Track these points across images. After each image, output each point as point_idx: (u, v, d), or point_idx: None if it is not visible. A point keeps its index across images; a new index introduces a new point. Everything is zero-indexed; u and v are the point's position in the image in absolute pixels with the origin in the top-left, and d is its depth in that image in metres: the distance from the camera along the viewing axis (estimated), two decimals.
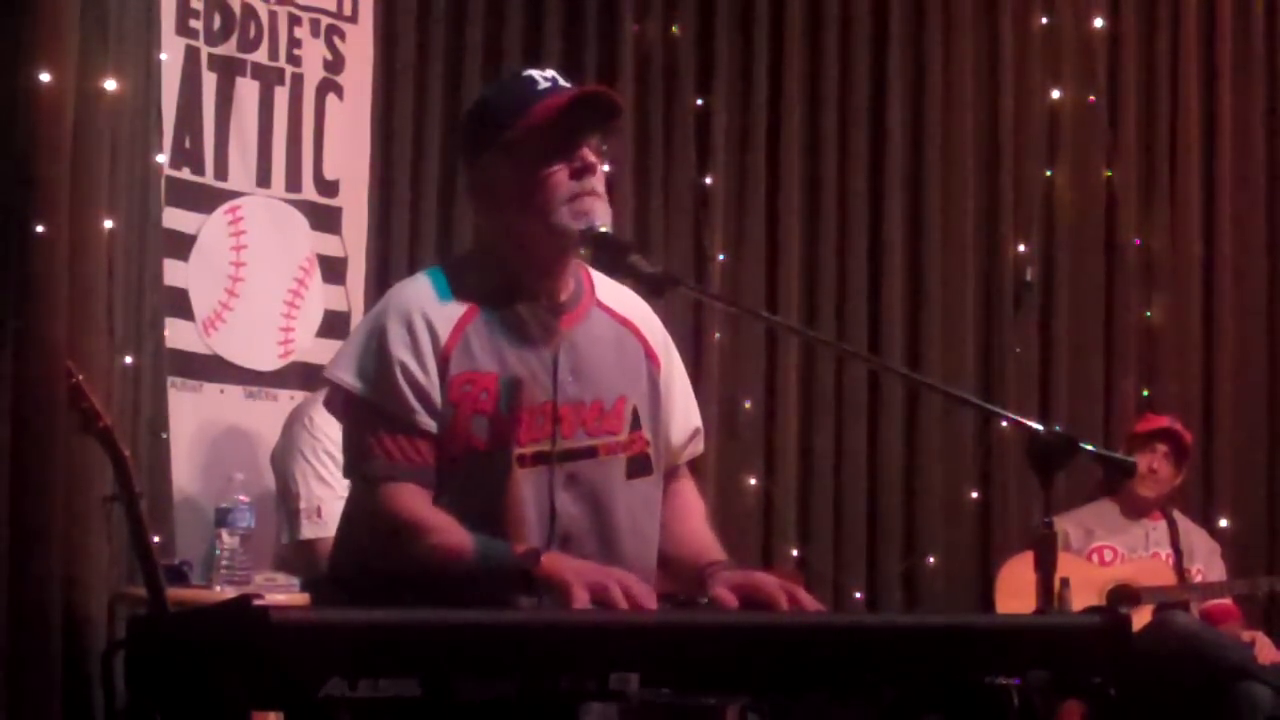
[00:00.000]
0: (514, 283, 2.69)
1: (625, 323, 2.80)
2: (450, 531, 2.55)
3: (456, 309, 2.65)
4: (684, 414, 2.86)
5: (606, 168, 2.74)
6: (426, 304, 2.65)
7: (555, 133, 2.62)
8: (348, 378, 2.64)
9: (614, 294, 2.82)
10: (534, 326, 2.68)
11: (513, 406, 2.62)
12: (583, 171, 2.63)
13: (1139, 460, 5.39)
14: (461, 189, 2.91)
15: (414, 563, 2.54)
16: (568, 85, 2.69)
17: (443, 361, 2.61)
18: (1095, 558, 5.39)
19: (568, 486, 2.65)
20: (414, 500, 2.59)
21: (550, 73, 2.70)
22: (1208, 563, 5.43)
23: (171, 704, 2.09)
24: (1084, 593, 5.14)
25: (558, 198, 2.62)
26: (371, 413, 2.61)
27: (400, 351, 2.60)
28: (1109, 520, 5.46)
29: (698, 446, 2.90)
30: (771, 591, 2.54)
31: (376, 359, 2.62)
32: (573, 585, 2.40)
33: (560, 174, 2.62)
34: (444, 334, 2.62)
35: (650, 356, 2.80)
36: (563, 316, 2.71)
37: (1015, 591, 5.20)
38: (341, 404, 2.70)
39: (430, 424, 2.59)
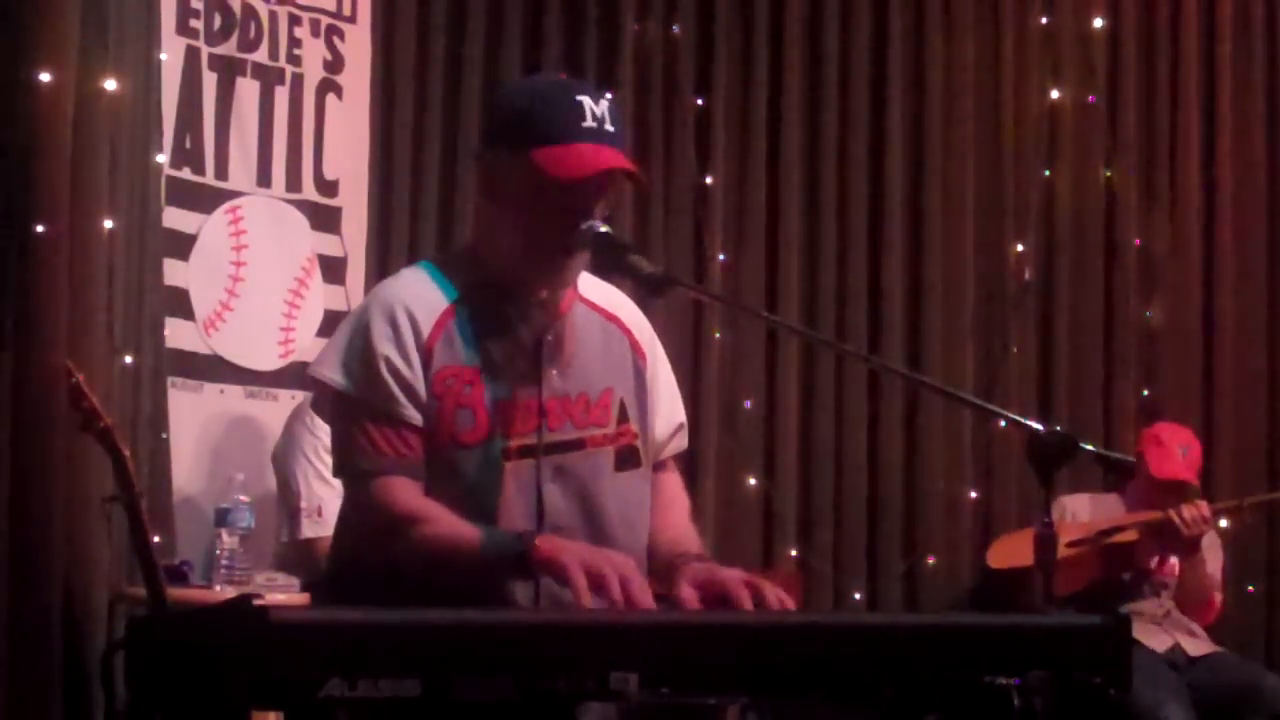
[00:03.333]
0: (499, 277, 2.69)
1: (611, 317, 2.80)
2: (444, 521, 2.55)
3: (440, 303, 2.65)
4: (668, 409, 2.86)
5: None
6: (410, 299, 2.65)
7: (573, 186, 2.59)
8: (332, 375, 2.64)
9: (599, 290, 2.82)
10: (518, 321, 2.68)
11: (497, 400, 2.62)
12: (579, 219, 2.60)
13: (1153, 495, 5.37)
14: (473, 164, 2.87)
15: (410, 554, 2.55)
16: (611, 129, 2.62)
17: (426, 355, 2.61)
18: None
19: (555, 479, 2.65)
20: (406, 492, 2.59)
21: (603, 106, 2.62)
22: (1208, 551, 5.41)
23: (171, 704, 2.09)
24: (1070, 535, 5.18)
25: (541, 245, 2.62)
26: (357, 408, 2.61)
27: (384, 346, 2.60)
28: (1114, 513, 5.46)
29: (681, 441, 2.90)
30: (734, 588, 2.52)
31: (361, 355, 2.62)
32: (570, 568, 2.40)
33: (560, 220, 2.60)
34: (426, 328, 2.62)
35: (636, 350, 2.80)
36: (546, 312, 2.71)
37: (1007, 555, 5.27)
38: (328, 402, 2.70)
39: (417, 417, 2.60)
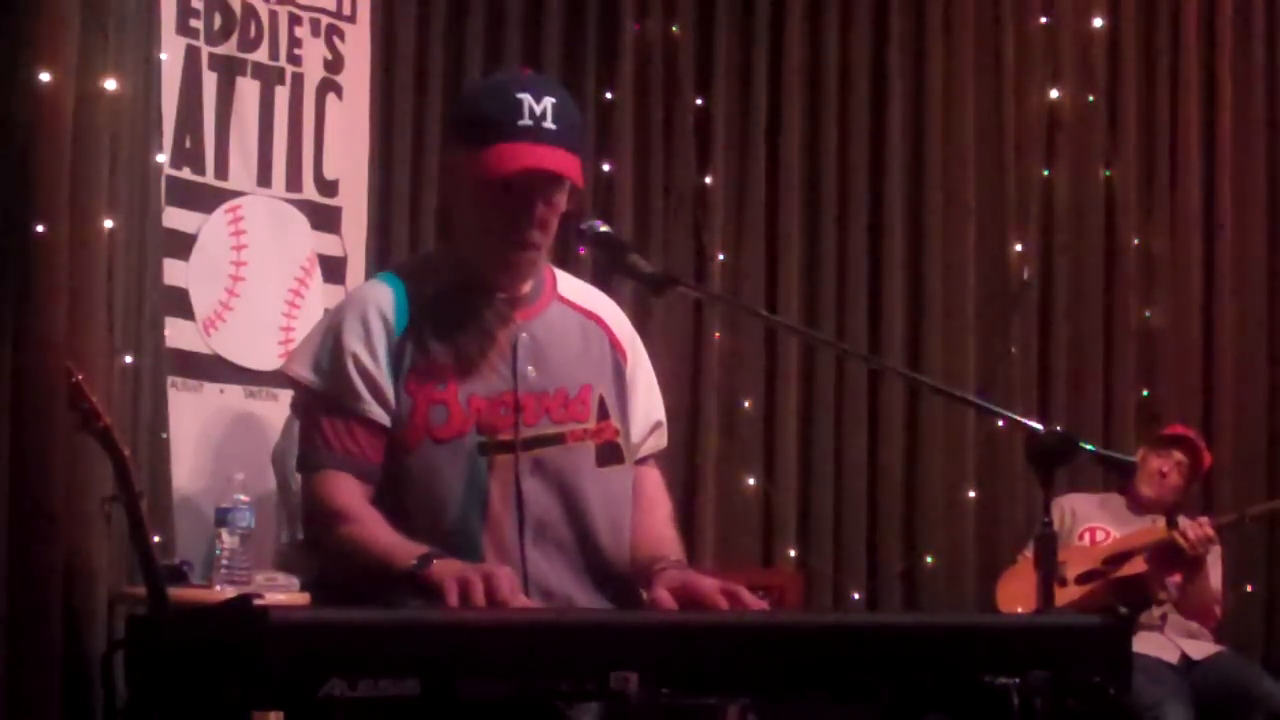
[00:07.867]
0: (471, 276, 2.71)
1: (590, 315, 2.81)
2: (369, 525, 2.55)
3: (412, 305, 2.67)
4: (645, 407, 2.86)
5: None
6: (383, 300, 2.67)
7: (510, 185, 2.61)
8: (302, 371, 2.67)
9: (577, 290, 2.83)
10: (490, 318, 2.70)
11: (471, 396, 2.64)
12: (521, 215, 2.62)
13: (1153, 461, 5.39)
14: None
15: (332, 552, 2.58)
16: (552, 127, 2.60)
17: (397, 354, 2.63)
18: (1087, 538, 5.39)
19: (534, 473, 2.66)
20: (342, 490, 2.60)
21: (545, 103, 2.61)
22: (1210, 564, 5.41)
23: (171, 704, 2.09)
24: (1078, 566, 5.16)
25: (493, 239, 2.65)
26: (320, 403, 2.65)
27: (353, 343, 2.63)
28: (1112, 512, 5.46)
29: (660, 440, 2.90)
30: (710, 595, 2.53)
31: (330, 352, 2.65)
32: (446, 584, 2.35)
33: (505, 216, 2.62)
34: (399, 326, 2.65)
35: (616, 348, 2.81)
36: (520, 310, 2.72)
37: (1014, 599, 5.22)
38: (300, 400, 2.74)
39: (379, 414, 2.62)
